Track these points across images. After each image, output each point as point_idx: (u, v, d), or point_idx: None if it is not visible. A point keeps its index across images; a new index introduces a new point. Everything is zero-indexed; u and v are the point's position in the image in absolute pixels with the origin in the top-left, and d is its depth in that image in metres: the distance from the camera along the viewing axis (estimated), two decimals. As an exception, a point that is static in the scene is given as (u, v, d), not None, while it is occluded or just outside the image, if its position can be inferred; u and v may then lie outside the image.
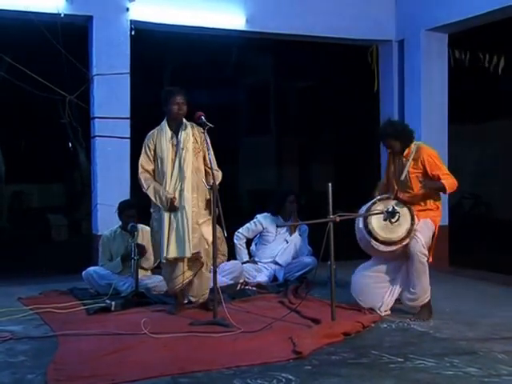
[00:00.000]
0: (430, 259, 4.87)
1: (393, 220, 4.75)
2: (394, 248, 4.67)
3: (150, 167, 4.85)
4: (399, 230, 4.67)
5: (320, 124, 15.46)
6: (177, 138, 4.80)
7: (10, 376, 3.46)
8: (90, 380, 3.38)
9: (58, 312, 4.95)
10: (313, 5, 7.39)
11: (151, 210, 4.91)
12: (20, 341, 4.16)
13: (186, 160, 4.71)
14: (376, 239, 4.66)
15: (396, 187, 4.88)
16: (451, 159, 7.59)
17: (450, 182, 4.74)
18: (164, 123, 4.88)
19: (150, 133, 4.92)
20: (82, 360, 3.72)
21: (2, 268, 7.24)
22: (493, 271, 6.84)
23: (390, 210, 4.74)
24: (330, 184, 4.57)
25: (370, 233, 4.67)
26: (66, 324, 4.56)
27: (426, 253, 4.75)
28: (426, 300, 4.81)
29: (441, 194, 4.91)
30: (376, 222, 4.70)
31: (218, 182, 4.63)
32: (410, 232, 4.67)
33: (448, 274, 6.73)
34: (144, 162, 4.85)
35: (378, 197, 4.91)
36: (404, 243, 4.68)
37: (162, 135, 4.82)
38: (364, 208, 4.86)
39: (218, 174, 4.78)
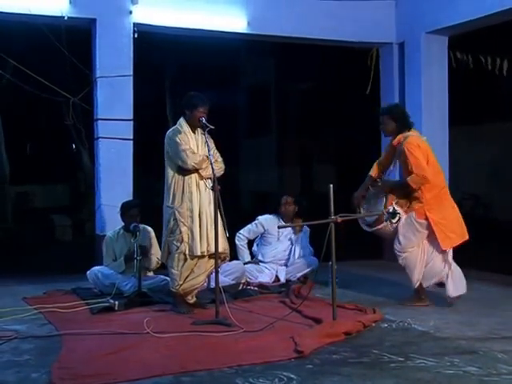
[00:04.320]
0: (445, 247, 5.17)
1: (393, 221, 4.81)
2: (371, 229, 5.13)
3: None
4: (373, 216, 5.13)
5: (321, 125, 15.50)
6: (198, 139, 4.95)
7: (15, 375, 3.48)
8: (93, 378, 3.40)
9: (62, 311, 4.99)
10: (314, 8, 7.43)
11: (172, 205, 4.83)
12: (25, 340, 4.19)
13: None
14: (363, 222, 5.20)
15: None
16: (451, 160, 7.63)
17: (414, 178, 4.96)
18: (184, 124, 4.93)
19: (171, 132, 4.93)
20: (85, 359, 3.75)
21: (6, 268, 7.29)
22: (492, 272, 6.86)
23: (390, 210, 4.78)
24: (331, 185, 4.61)
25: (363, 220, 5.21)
26: (70, 323, 4.59)
27: (401, 254, 5.15)
28: (414, 286, 5.24)
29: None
30: (364, 207, 5.22)
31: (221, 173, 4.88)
32: (377, 220, 5.08)
33: (448, 275, 6.75)
34: (189, 149, 4.84)
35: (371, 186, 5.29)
36: (378, 227, 5.09)
37: (187, 135, 4.90)
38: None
39: (222, 167, 4.99)
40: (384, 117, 5.15)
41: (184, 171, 4.85)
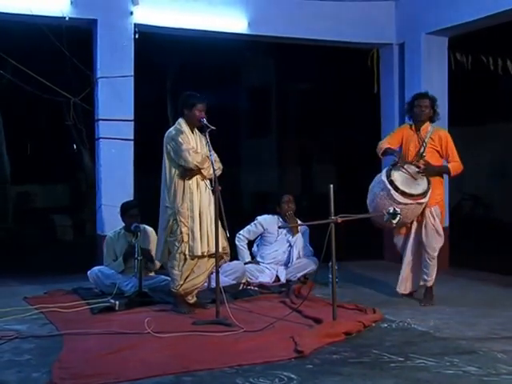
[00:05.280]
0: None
1: (394, 221, 4.82)
2: (408, 201, 5.05)
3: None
4: (418, 188, 5.12)
5: (321, 126, 15.50)
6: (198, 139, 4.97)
7: (16, 374, 3.49)
8: (94, 378, 3.41)
9: (62, 311, 5.00)
10: (314, 9, 7.44)
11: (172, 206, 4.84)
12: (25, 340, 4.20)
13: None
14: (396, 188, 5.06)
15: (410, 156, 5.36)
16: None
17: (455, 165, 5.33)
18: (183, 124, 4.95)
19: (173, 131, 4.93)
20: (86, 359, 3.76)
21: (7, 268, 7.31)
22: (492, 272, 6.88)
23: (391, 211, 4.79)
24: (331, 185, 4.62)
25: (391, 182, 5.09)
26: (71, 323, 4.60)
27: (437, 252, 5.31)
28: (431, 284, 5.39)
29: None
30: (398, 176, 5.16)
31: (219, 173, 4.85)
32: (425, 193, 5.12)
33: (448, 275, 6.77)
34: (191, 148, 4.85)
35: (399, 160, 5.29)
36: (419, 201, 5.10)
37: (188, 135, 4.91)
38: (384, 170, 5.30)
39: (221, 167, 4.97)
40: (428, 101, 5.39)
41: (185, 171, 4.86)
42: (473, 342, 4.10)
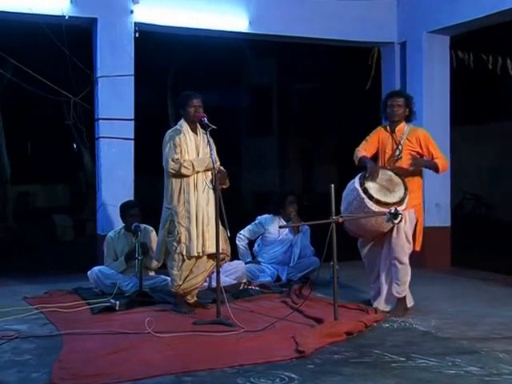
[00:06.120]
0: (418, 248, 5.00)
1: (395, 221, 4.79)
2: (384, 210, 4.69)
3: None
4: (393, 196, 4.77)
5: (323, 125, 15.52)
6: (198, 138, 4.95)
7: (16, 374, 3.49)
8: (94, 378, 3.40)
9: (63, 311, 4.99)
10: (315, 7, 7.43)
11: (170, 206, 4.85)
12: (25, 340, 4.20)
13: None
14: (371, 197, 4.71)
15: (386, 159, 5.03)
16: (453, 161, 7.62)
17: (443, 162, 5.00)
18: (184, 124, 4.95)
19: (170, 132, 4.94)
20: (86, 359, 3.75)
21: (7, 267, 7.31)
22: (494, 271, 6.87)
23: (392, 211, 4.77)
24: (332, 185, 4.60)
25: (365, 191, 4.72)
26: (71, 323, 4.59)
27: (407, 257, 4.88)
28: (404, 294, 4.93)
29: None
30: (372, 184, 4.78)
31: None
32: (402, 200, 4.76)
33: (449, 275, 6.77)
34: (174, 155, 4.83)
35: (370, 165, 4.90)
36: (396, 208, 4.74)
37: (186, 135, 4.90)
38: (357, 177, 4.90)
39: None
40: (401, 100, 5.01)
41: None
42: (474, 341, 4.09)
